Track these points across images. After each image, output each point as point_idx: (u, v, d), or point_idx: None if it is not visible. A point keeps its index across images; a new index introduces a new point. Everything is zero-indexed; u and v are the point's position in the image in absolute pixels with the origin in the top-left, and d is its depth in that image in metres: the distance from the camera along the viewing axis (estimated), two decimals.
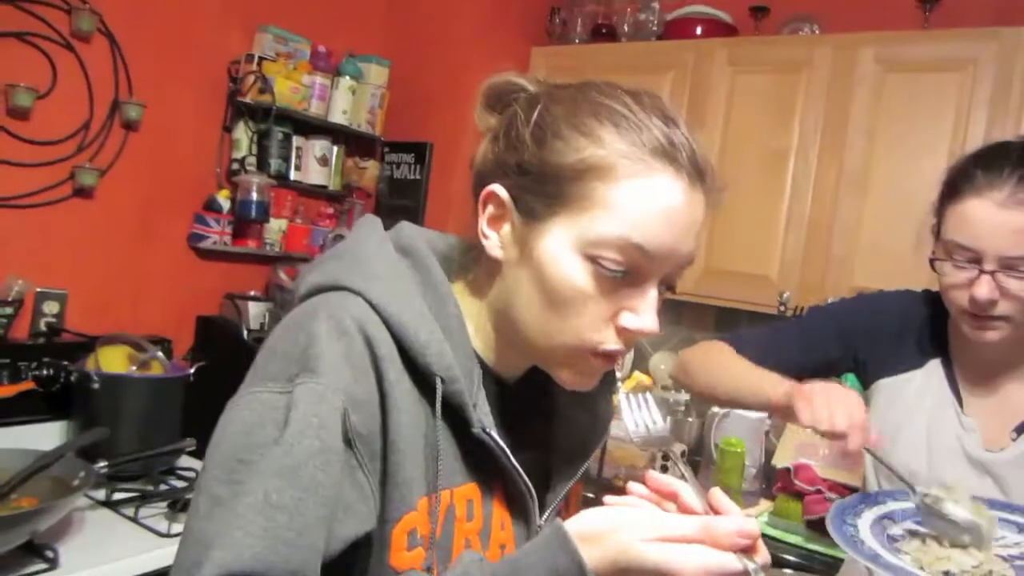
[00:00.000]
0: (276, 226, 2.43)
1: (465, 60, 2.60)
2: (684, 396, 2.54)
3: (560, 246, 0.65)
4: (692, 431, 2.47)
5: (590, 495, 2.23)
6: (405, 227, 0.74)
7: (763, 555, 0.58)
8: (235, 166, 2.31)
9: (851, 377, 1.33)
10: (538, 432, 0.79)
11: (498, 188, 0.68)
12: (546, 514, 0.76)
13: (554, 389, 0.78)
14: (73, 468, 1.48)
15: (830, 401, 1.02)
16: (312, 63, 2.44)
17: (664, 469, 2.22)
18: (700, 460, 2.41)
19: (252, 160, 2.33)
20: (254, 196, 2.26)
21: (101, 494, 1.61)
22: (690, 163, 0.65)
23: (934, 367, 1.21)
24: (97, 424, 1.63)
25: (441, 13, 2.70)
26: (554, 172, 0.65)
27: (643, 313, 0.66)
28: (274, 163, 2.37)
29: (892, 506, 1.04)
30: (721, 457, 2.11)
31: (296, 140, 2.46)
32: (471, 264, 0.74)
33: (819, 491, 2.04)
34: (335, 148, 2.59)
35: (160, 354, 1.86)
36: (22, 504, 1.36)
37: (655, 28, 2.70)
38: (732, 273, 2.40)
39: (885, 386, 1.24)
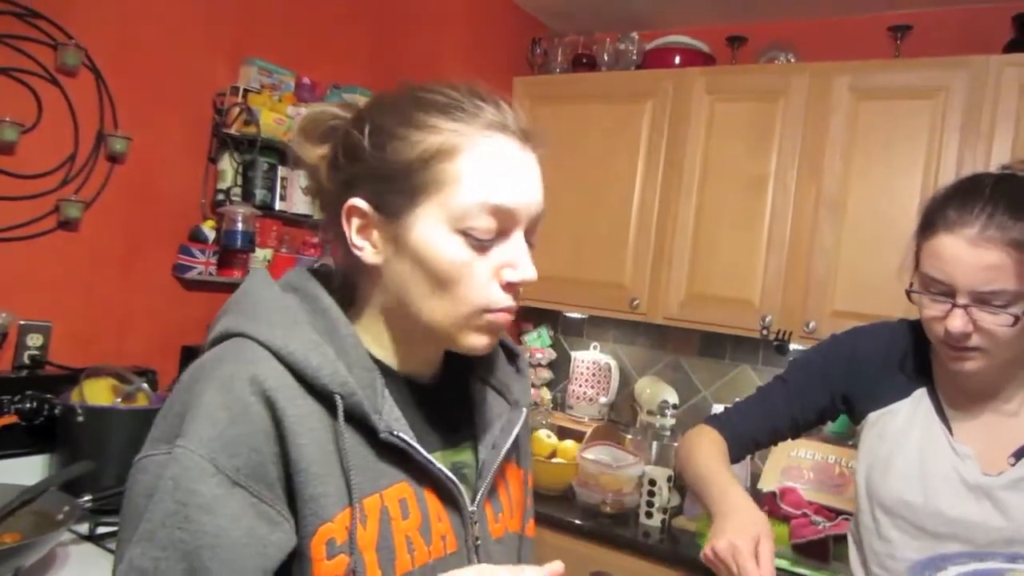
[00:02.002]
0: (261, 255, 2.43)
1: None
2: (669, 421, 2.56)
3: (431, 229, 0.71)
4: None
5: (576, 521, 2.23)
6: (297, 268, 0.81)
7: None
8: (220, 197, 2.32)
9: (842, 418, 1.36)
10: (464, 424, 0.85)
11: (357, 201, 0.74)
12: (477, 498, 0.81)
13: (470, 383, 0.87)
14: (57, 502, 1.46)
15: (734, 551, 1.04)
16: (297, 95, 2.47)
17: (651, 494, 2.23)
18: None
19: (237, 191, 2.34)
20: (239, 226, 2.27)
21: (85, 528, 1.59)
22: (516, 126, 0.73)
23: (920, 396, 1.23)
24: (81, 457, 1.61)
25: (424, 45, 2.74)
26: (403, 168, 0.71)
27: (520, 264, 0.73)
28: (259, 193, 2.38)
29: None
30: None
31: (281, 170, 2.47)
32: (357, 281, 0.80)
33: (805, 514, 2.05)
34: None
35: (145, 386, 1.85)
36: (5, 540, 1.34)
37: (634, 58, 2.75)
38: (715, 298, 2.42)
39: (873, 420, 1.26)
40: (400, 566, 0.71)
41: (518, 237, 0.73)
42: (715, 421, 1.37)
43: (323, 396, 0.70)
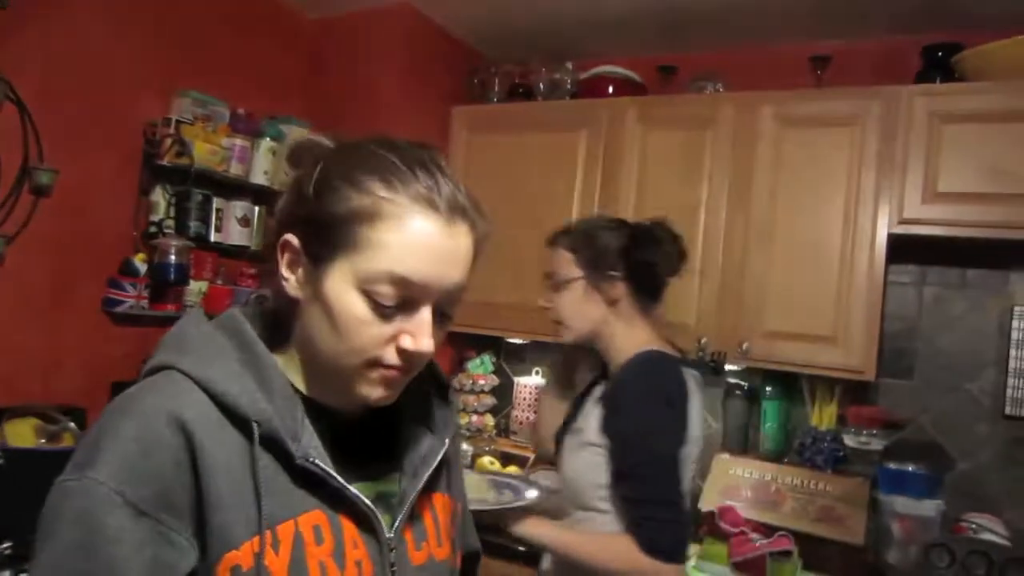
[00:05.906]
0: (196, 287, 2.39)
1: (386, 119, 2.64)
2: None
3: (341, 283, 0.74)
4: None
5: (520, 548, 2.22)
6: (229, 310, 0.84)
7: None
8: (152, 229, 2.28)
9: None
10: (391, 456, 0.88)
11: (291, 237, 0.78)
12: (396, 524, 0.82)
13: (397, 420, 0.89)
14: None
15: None
16: (232, 125, 2.45)
17: None
18: None
19: (170, 223, 2.30)
20: (172, 259, 2.23)
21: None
22: (447, 204, 0.75)
23: None
24: (2, 502, 1.55)
25: (362, 75, 2.75)
26: (329, 220, 0.75)
27: (418, 335, 0.75)
28: (193, 225, 2.35)
29: None
30: None
31: (216, 202, 2.44)
32: (289, 312, 0.82)
33: (743, 532, 2.09)
34: (256, 208, 2.58)
35: (72, 424, 1.80)
36: None
37: (569, 87, 2.81)
38: None
39: None
40: None
41: (424, 310, 0.75)
42: None
43: (242, 425, 0.73)
